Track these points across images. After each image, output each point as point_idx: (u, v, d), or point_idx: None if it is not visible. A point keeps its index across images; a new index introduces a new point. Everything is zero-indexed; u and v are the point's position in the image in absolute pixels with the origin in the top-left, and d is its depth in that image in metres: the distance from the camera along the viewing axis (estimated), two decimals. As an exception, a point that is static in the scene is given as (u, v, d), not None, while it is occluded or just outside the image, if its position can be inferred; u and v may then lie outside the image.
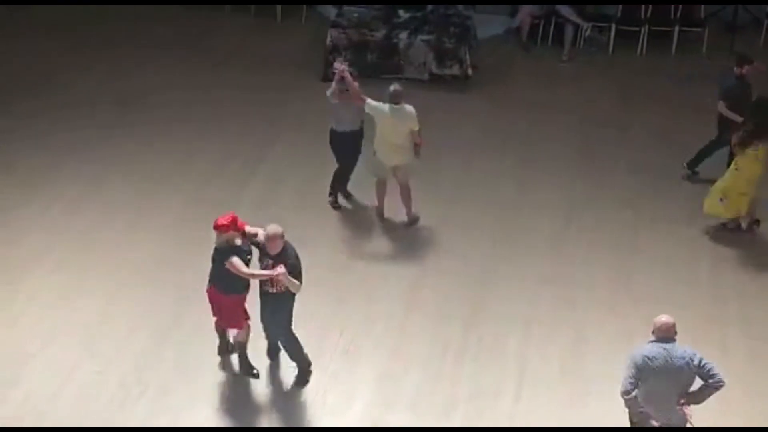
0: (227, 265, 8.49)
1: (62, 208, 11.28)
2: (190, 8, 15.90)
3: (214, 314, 8.96)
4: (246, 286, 8.73)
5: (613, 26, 15.19)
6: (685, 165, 12.05)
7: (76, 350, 9.33)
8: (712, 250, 10.93)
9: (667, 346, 7.54)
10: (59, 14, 15.53)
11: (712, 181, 11.12)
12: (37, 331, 9.54)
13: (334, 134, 11.08)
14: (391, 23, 14.38)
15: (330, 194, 11.41)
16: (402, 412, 8.82)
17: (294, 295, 8.66)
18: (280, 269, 8.36)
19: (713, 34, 15.09)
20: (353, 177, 11.45)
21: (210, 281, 8.77)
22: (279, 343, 9.11)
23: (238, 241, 8.64)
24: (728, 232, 11.13)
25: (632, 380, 7.52)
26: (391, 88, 10.63)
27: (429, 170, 11.79)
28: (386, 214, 11.24)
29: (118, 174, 11.88)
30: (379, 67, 13.90)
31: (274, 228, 8.51)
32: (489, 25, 15.47)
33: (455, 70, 14.03)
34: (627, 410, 7.74)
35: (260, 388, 9.04)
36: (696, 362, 7.52)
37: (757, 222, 11.22)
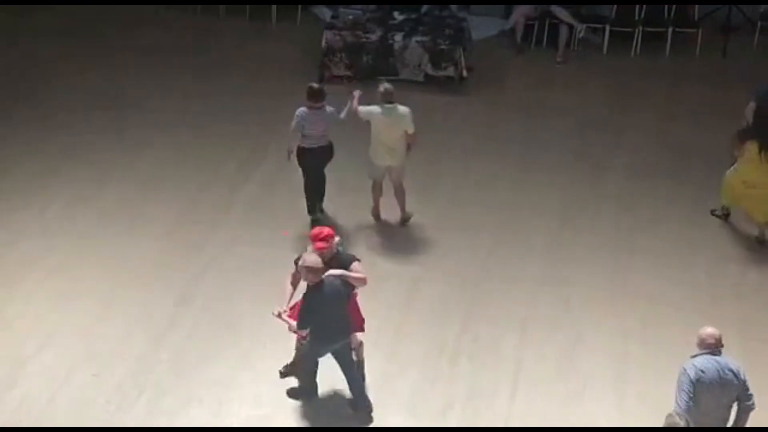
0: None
1: (58, 212, 11.27)
2: (185, 12, 15.91)
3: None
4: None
5: (608, 27, 15.21)
6: None
7: (72, 353, 9.30)
8: (710, 251, 10.93)
9: (718, 358, 7.37)
10: (55, 20, 15.51)
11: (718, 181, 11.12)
12: (34, 334, 9.52)
13: (303, 151, 10.83)
14: (386, 25, 14.40)
15: (309, 212, 11.12)
16: (398, 413, 8.81)
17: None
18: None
19: (707, 35, 15.12)
20: (348, 179, 11.44)
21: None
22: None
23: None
24: (731, 230, 11.12)
25: (690, 395, 7.17)
26: (381, 87, 10.64)
27: (424, 172, 11.80)
28: (382, 216, 11.26)
29: (113, 178, 11.87)
30: (374, 68, 13.92)
31: (313, 259, 8.23)
32: (483, 26, 15.51)
33: (450, 71, 14.04)
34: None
35: (257, 390, 9.03)
36: (742, 376, 7.39)
37: None
